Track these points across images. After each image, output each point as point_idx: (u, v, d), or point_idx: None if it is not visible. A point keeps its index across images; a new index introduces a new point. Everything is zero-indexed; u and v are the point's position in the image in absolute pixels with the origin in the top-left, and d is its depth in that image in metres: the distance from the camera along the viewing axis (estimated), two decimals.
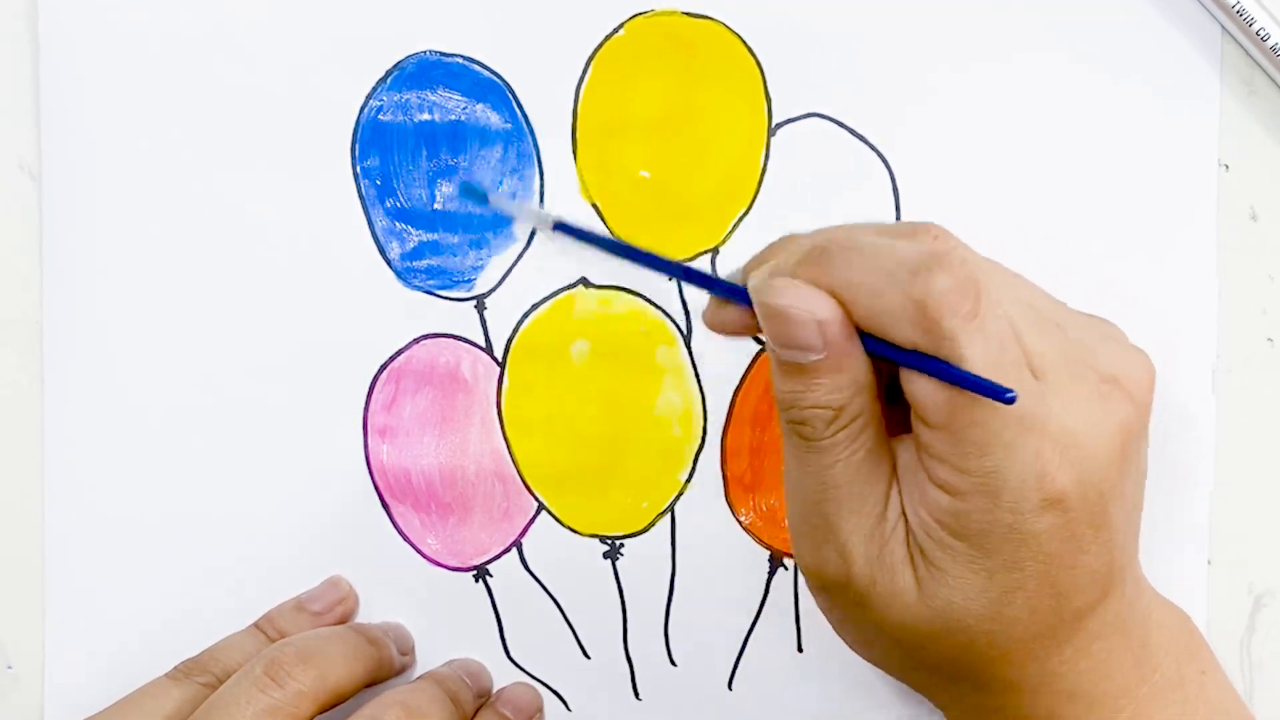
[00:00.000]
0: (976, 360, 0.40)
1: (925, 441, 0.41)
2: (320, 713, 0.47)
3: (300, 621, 0.52)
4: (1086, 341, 0.43)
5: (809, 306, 0.41)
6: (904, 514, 0.42)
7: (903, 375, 0.41)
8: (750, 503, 0.52)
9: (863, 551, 0.42)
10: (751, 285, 0.43)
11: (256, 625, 0.52)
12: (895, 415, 0.43)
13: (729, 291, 0.44)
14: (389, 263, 0.52)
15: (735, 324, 0.44)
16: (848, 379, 0.41)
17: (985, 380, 0.39)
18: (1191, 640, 0.47)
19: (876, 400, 0.42)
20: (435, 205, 0.52)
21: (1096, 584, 0.42)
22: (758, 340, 0.52)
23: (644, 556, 0.53)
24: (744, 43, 0.52)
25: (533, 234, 0.52)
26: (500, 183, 0.52)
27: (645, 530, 0.53)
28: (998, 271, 0.43)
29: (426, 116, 0.52)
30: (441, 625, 0.53)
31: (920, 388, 0.41)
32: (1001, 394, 0.39)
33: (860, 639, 0.46)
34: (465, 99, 0.52)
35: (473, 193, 0.50)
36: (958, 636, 0.42)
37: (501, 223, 0.52)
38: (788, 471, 0.44)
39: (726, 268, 0.52)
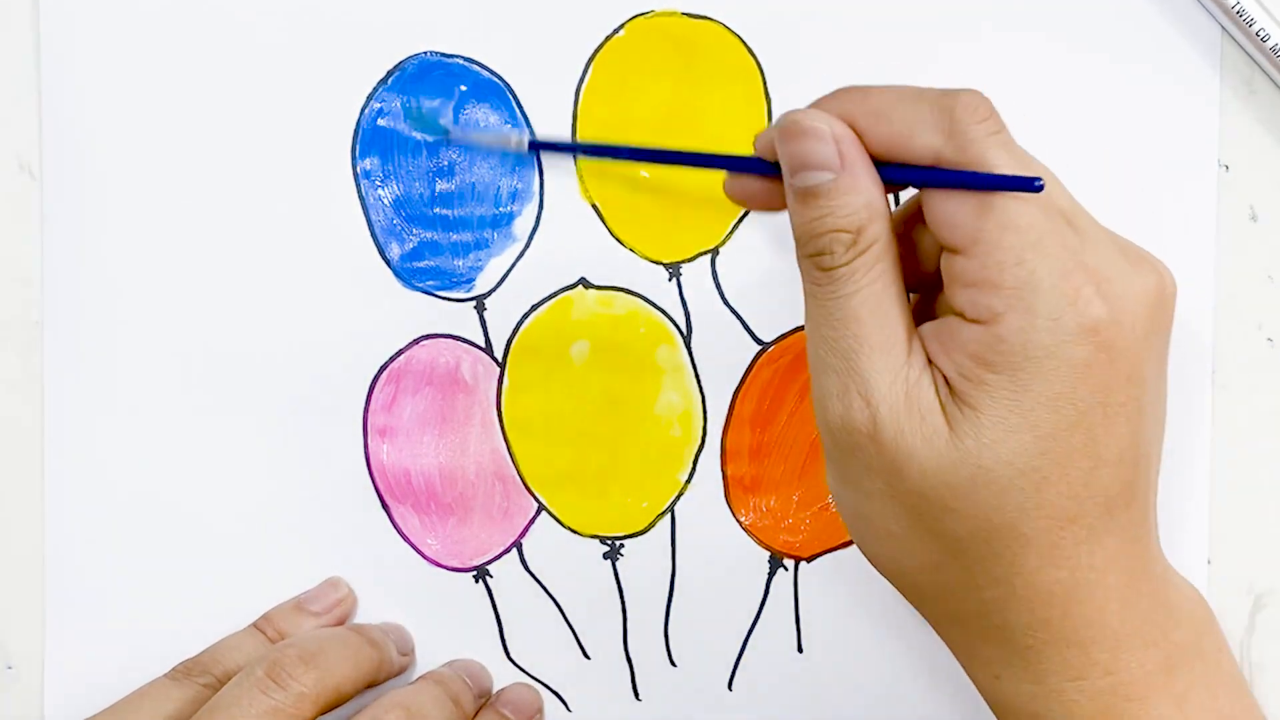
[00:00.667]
0: (1002, 164, 0.41)
1: (958, 272, 0.41)
2: (321, 714, 0.47)
3: (299, 622, 0.52)
4: (1117, 236, 0.44)
5: (824, 120, 0.42)
6: (929, 365, 0.42)
7: (927, 206, 0.42)
8: (750, 503, 0.52)
9: (888, 394, 0.41)
10: (763, 132, 0.44)
11: (255, 625, 0.52)
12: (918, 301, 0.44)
13: (741, 164, 0.45)
14: (389, 263, 0.52)
15: (750, 190, 0.45)
16: (863, 200, 0.42)
17: (1012, 175, 0.40)
18: (1209, 617, 0.46)
19: (892, 234, 0.43)
20: (435, 206, 0.52)
21: (1124, 469, 0.42)
22: (754, 344, 0.52)
23: (644, 556, 0.53)
24: (744, 43, 0.52)
25: (532, 234, 0.52)
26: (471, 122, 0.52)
27: (645, 530, 0.53)
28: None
29: (426, 119, 0.52)
30: (441, 626, 0.53)
31: (947, 209, 0.41)
32: (1029, 183, 0.40)
33: (880, 518, 0.43)
34: (464, 100, 0.52)
35: (431, 126, 0.50)
36: (986, 493, 0.41)
37: (502, 223, 0.52)
38: (809, 318, 0.43)
39: (726, 268, 0.52)
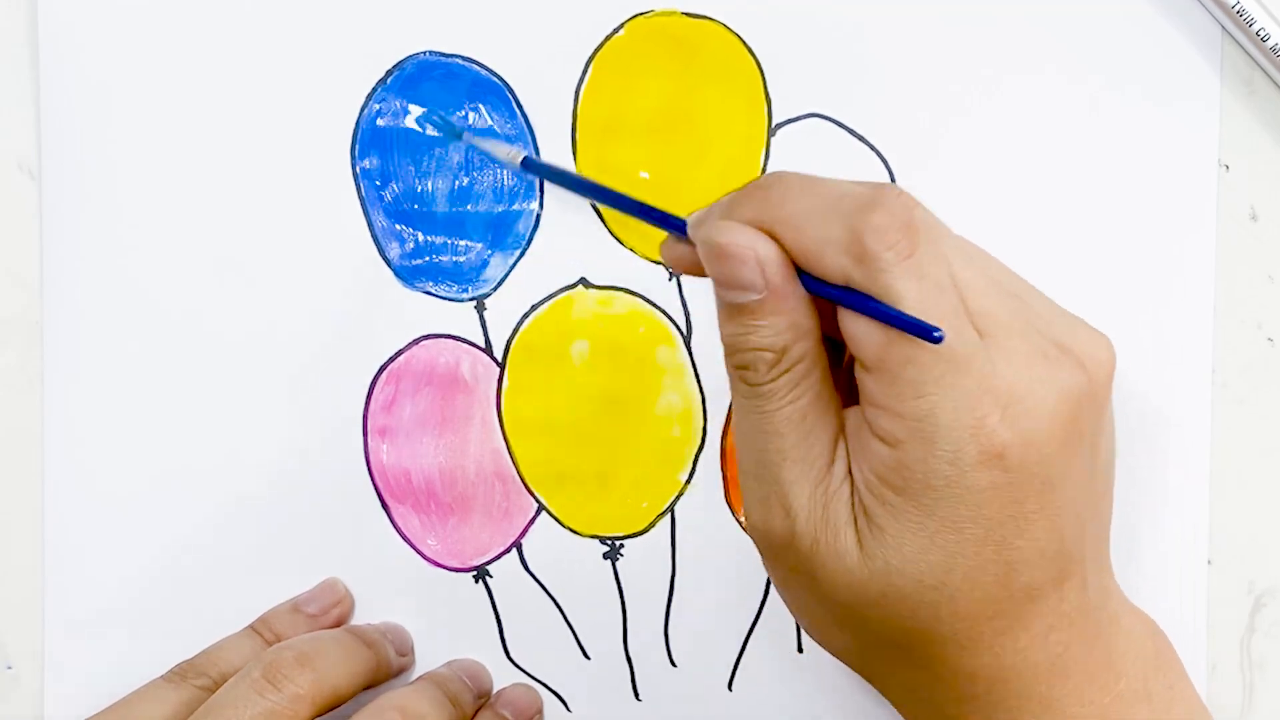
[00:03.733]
0: (909, 297, 0.39)
1: (865, 389, 0.41)
2: (318, 715, 0.47)
3: (296, 623, 0.52)
4: (1043, 315, 0.42)
5: (749, 243, 0.41)
6: (850, 474, 0.42)
7: (841, 318, 0.41)
8: None
9: (806, 506, 0.42)
10: (691, 222, 0.43)
11: (252, 627, 0.52)
12: (850, 386, 0.43)
13: (675, 227, 0.44)
14: (389, 263, 0.52)
15: (686, 261, 0.44)
16: (788, 321, 0.41)
17: (913, 318, 0.39)
18: (1161, 652, 0.46)
19: (821, 349, 0.42)
20: (435, 206, 0.52)
21: (1046, 562, 0.41)
22: None
23: (644, 556, 0.53)
24: (744, 43, 0.52)
25: (532, 234, 0.52)
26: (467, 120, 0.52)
27: (645, 530, 0.53)
28: (955, 237, 0.42)
29: (426, 119, 0.52)
30: (441, 626, 0.53)
31: (857, 327, 0.40)
32: (929, 332, 0.39)
33: (808, 612, 0.45)
34: (464, 100, 0.52)
35: (447, 128, 0.51)
36: (898, 605, 0.41)
37: (502, 223, 0.52)
38: (736, 424, 0.43)
39: None
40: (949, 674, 0.42)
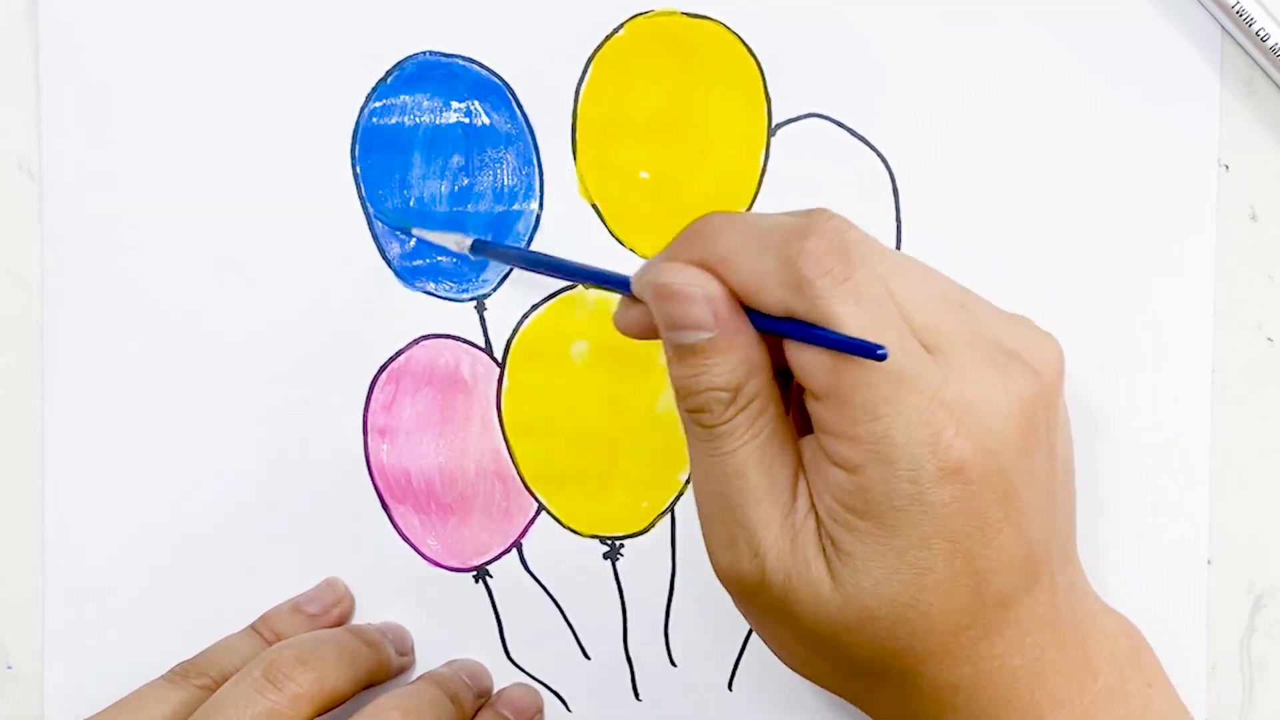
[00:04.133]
0: (849, 321, 0.39)
1: (818, 418, 0.41)
2: (318, 715, 0.47)
3: (296, 623, 0.52)
4: (989, 322, 0.43)
5: (693, 280, 0.41)
6: (813, 506, 0.42)
7: (788, 349, 0.41)
8: None
9: (774, 544, 0.42)
10: (634, 278, 0.43)
11: (253, 627, 0.52)
12: (802, 418, 0.43)
13: (619, 284, 0.44)
14: (389, 263, 0.52)
15: (640, 324, 0.44)
16: (740, 357, 0.41)
17: (855, 339, 0.39)
18: (1138, 651, 0.46)
19: (773, 384, 0.42)
20: (435, 206, 0.52)
21: (1016, 568, 0.41)
22: None
23: (644, 556, 0.53)
24: (744, 43, 0.52)
25: (532, 234, 0.52)
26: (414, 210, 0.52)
27: (645, 530, 0.53)
28: (892, 255, 0.42)
29: (426, 119, 0.52)
30: (441, 626, 0.53)
31: (803, 358, 0.40)
32: (871, 350, 0.39)
33: (785, 646, 0.45)
34: (464, 100, 0.52)
35: (390, 219, 0.52)
36: (874, 628, 0.41)
37: (502, 223, 0.52)
38: (693, 468, 0.43)
39: None
40: (930, 688, 0.42)
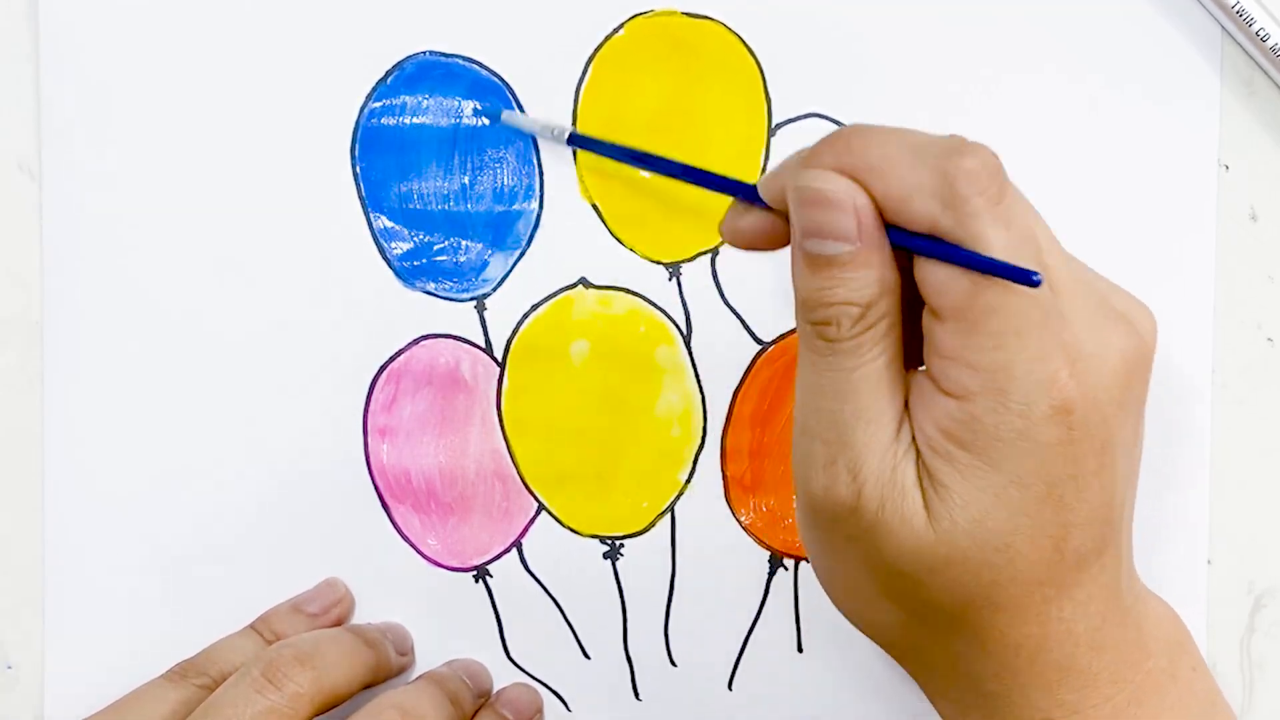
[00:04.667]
0: (999, 244, 0.39)
1: (937, 340, 0.40)
2: (317, 714, 0.47)
3: (296, 623, 0.52)
4: (1099, 281, 0.43)
5: (846, 191, 0.40)
6: (914, 440, 0.41)
7: (919, 267, 0.40)
8: (750, 503, 0.52)
9: (875, 469, 0.41)
10: (764, 181, 0.42)
11: (252, 627, 0.52)
12: (909, 349, 0.43)
13: (746, 193, 0.43)
14: (389, 263, 0.52)
15: (753, 231, 0.43)
16: (876, 275, 0.40)
17: (1009, 264, 0.39)
18: (1184, 637, 0.46)
19: (899, 306, 0.41)
20: (435, 205, 0.52)
21: (1095, 528, 0.41)
22: (750, 336, 0.52)
23: (644, 556, 0.53)
24: (744, 43, 0.52)
25: (532, 234, 0.52)
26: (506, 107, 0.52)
27: (645, 530, 0.53)
28: (1027, 199, 0.42)
29: (426, 119, 0.52)
30: (441, 625, 0.53)
31: (938, 275, 0.40)
32: (1027, 277, 0.38)
33: (854, 584, 0.44)
34: (464, 100, 0.52)
35: (489, 114, 0.51)
36: (960, 570, 0.41)
37: (502, 223, 0.52)
38: (802, 381, 0.42)
39: (726, 268, 0.52)
40: (995, 644, 0.42)
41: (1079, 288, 0.41)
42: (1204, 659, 0.46)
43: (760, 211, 0.43)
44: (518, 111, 0.52)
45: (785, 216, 0.42)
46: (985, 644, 0.42)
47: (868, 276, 0.40)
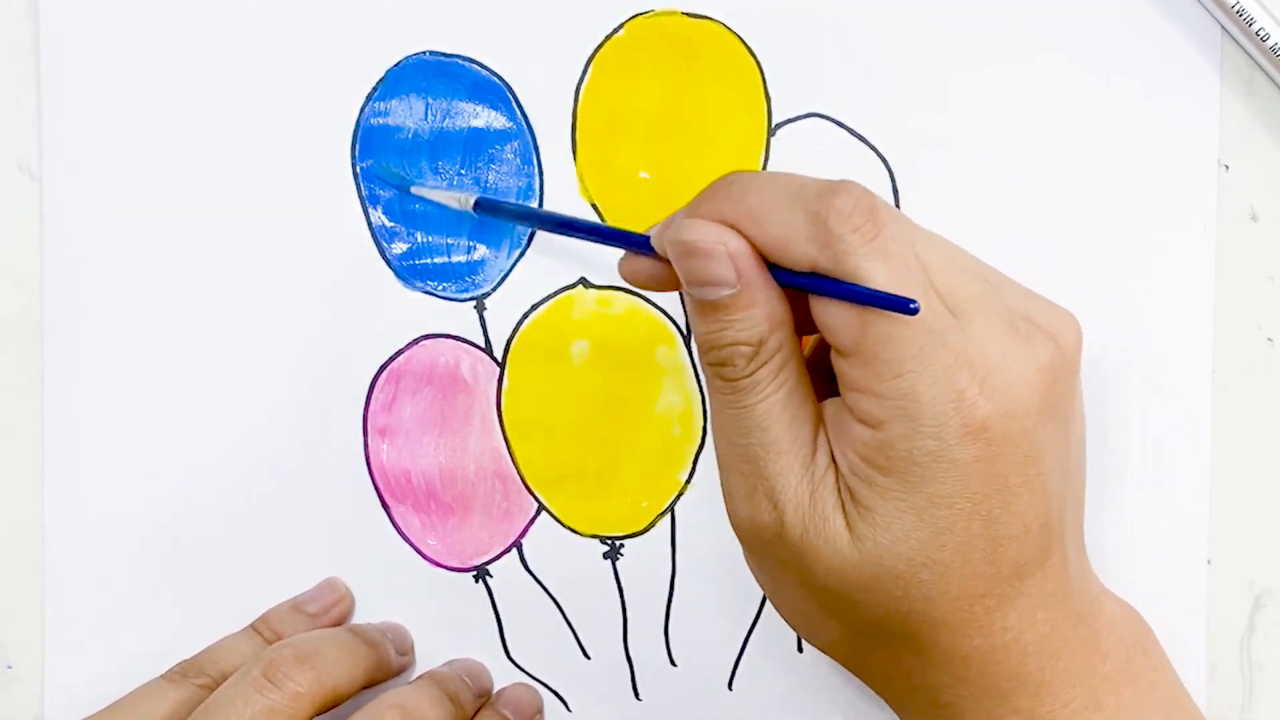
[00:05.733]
0: (878, 277, 0.40)
1: (843, 375, 0.41)
2: (318, 714, 0.47)
3: (296, 623, 0.52)
4: (1011, 293, 0.43)
5: (716, 237, 0.42)
6: (833, 462, 0.42)
7: (813, 306, 0.42)
8: None
9: (793, 495, 0.42)
10: (655, 233, 0.44)
11: (253, 627, 0.52)
12: (823, 379, 0.44)
13: (638, 244, 0.45)
14: (389, 263, 0.52)
15: (645, 274, 0.45)
16: (763, 312, 0.42)
17: (886, 294, 0.40)
18: (1143, 636, 0.46)
19: (794, 338, 0.43)
20: (435, 205, 0.52)
21: (1031, 538, 0.42)
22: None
23: (644, 556, 0.53)
24: (744, 43, 0.52)
25: (532, 234, 0.52)
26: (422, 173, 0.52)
27: (645, 530, 0.53)
28: (916, 225, 0.43)
29: (426, 119, 0.52)
30: (441, 625, 0.53)
31: (829, 313, 0.41)
32: (904, 305, 0.39)
33: (797, 607, 0.45)
34: (464, 100, 0.52)
35: (390, 177, 0.51)
36: (890, 587, 0.41)
37: (502, 223, 0.52)
38: (713, 421, 0.44)
39: None
40: (941, 658, 0.43)
41: (984, 305, 0.42)
42: (1168, 660, 0.47)
43: (653, 260, 0.45)
44: (426, 185, 0.52)
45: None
46: (933, 657, 0.43)
47: (754, 315, 0.42)
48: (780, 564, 0.44)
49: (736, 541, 0.52)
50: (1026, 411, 0.41)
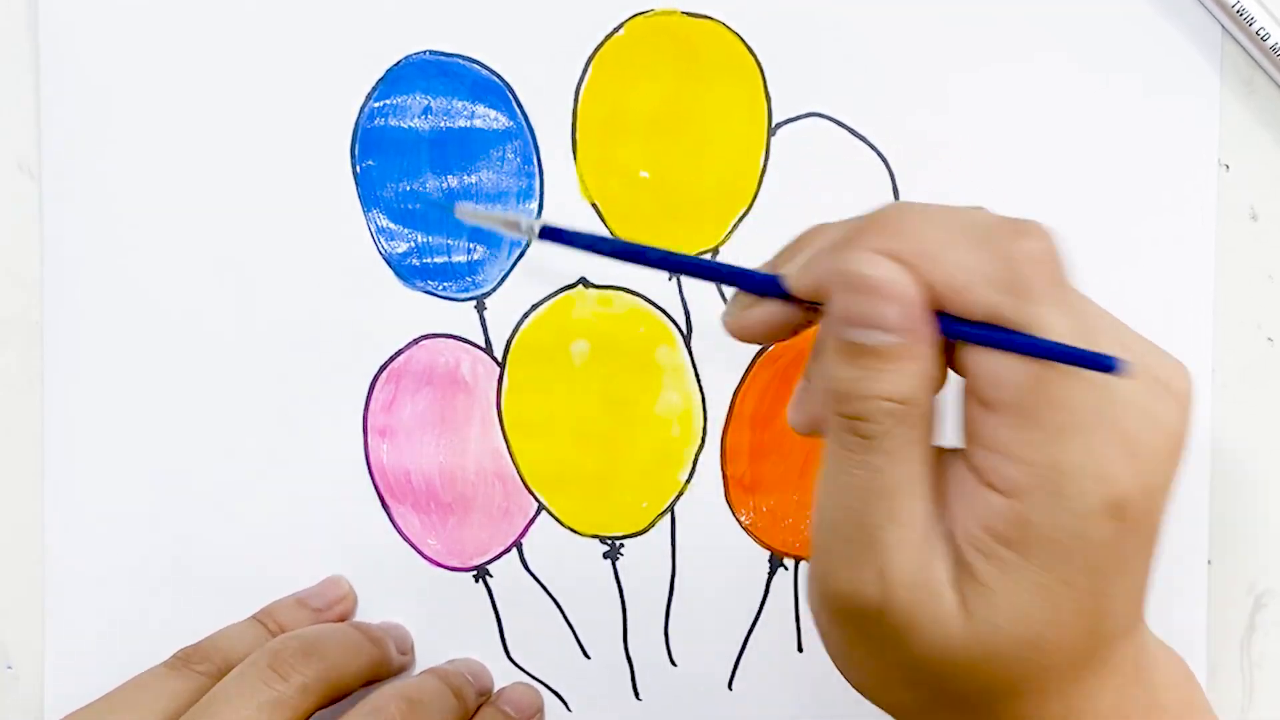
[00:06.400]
0: (1064, 330, 0.36)
1: (986, 434, 0.37)
2: (322, 707, 0.47)
3: (300, 617, 0.51)
4: (1138, 349, 0.39)
5: (895, 278, 0.36)
6: (947, 532, 0.38)
7: (967, 356, 0.37)
8: (750, 503, 0.52)
9: (906, 570, 0.37)
10: (796, 268, 0.39)
11: (256, 618, 0.52)
12: None
13: (761, 283, 0.39)
14: (389, 263, 0.52)
15: (764, 324, 0.40)
16: (920, 368, 0.37)
17: (1088, 351, 0.35)
18: (1193, 689, 0.44)
19: (935, 403, 0.38)
20: (435, 205, 0.52)
21: (1131, 608, 0.39)
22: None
23: (644, 556, 0.53)
24: (744, 43, 0.52)
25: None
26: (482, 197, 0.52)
27: (645, 530, 0.53)
28: None
29: (426, 119, 0.52)
30: (441, 625, 0.53)
31: (993, 364, 0.36)
32: (1109, 364, 0.35)
33: (873, 674, 0.40)
34: (464, 100, 0.52)
35: (435, 207, 0.51)
36: (993, 665, 0.38)
37: None
38: (826, 477, 0.38)
39: None
40: None
41: (1130, 363, 0.37)
42: (1209, 705, 0.44)
43: (775, 302, 0.39)
44: (479, 207, 0.50)
45: (805, 304, 0.39)
46: None
47: (912, 370, 0.37)
48: (869, 636, 0.39)
49: (736, 542, 0.52)
50: (1161, 488, 0.38)
